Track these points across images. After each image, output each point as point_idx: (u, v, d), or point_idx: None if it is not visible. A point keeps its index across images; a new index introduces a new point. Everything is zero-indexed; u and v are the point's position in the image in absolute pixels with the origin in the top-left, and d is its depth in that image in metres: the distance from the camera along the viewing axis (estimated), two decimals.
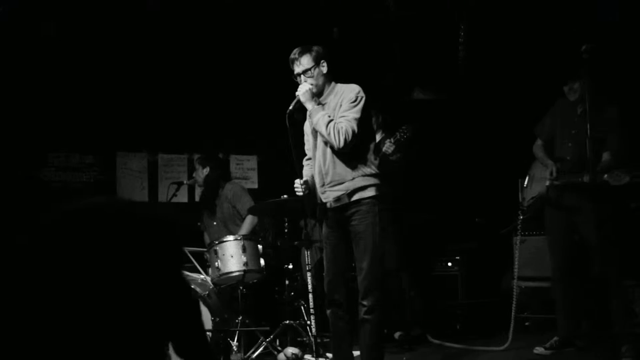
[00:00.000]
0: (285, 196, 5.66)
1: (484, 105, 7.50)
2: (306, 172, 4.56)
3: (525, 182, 5.58)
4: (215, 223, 6.41)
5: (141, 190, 7.60)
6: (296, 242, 5.99)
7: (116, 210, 1.14)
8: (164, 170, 7.59)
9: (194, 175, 6.53)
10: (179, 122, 7.13)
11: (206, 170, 6.37)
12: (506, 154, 6.58)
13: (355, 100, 4.17)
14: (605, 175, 4.55)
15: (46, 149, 7.10)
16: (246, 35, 7.14)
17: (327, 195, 4.28)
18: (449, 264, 6.65)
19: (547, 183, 5.16)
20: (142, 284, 1.06)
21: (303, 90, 4.25)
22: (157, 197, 7.56)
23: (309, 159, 4.51)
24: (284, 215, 5.98)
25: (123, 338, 1.00)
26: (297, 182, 4.41)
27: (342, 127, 4.07)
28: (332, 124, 4.11)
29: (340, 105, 4.21)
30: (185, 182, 6.75)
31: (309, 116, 4.30)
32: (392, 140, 5.56)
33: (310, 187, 4.45)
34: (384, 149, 5.60)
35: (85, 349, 0.96)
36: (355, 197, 4.20)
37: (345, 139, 4.06)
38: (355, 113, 4.14)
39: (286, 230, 5.97)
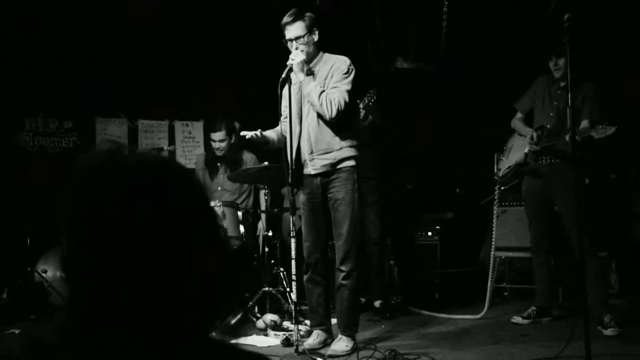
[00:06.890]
0: (266, 163, 5.63)
1: (466, 75, 7.46)
2: (278, 128, 4.67)
3: (502, 156, 5.61)
4: (219, 188, 6.26)
5: None
6: (276, 210, 5.98)
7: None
8: (144, 136, 7.50)
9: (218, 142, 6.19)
10: (158, 88, 7.02)
11: (232, 140, 6.15)
12: (488, 124, 6.57)
13: (347, 72, 4.32)
14: (591, 131, 4.57)
15: (22, 114, 6.97)
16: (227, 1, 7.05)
17: (315, 163, 4.38)
18: (429, 233, 6.68)
19: (526, 150, 5.17)
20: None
21: (298, 60, 4.29)
22: None
23: (286, 117, 4.49)
24: (265, 183, 5.94)
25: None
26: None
27: (334, 98, 4.21)
28: (324, 95, 4.22)
29: (332, 76, 4.33)
30: (165, 148, 6.65)
31: (302, 86, 4.34)
32: (361, 105, 5.53)
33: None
34: None
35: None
36: (340, 165, 4.35)
37: (338, 109, 4.20)
38: (347, 85, 4.29)
39: (266, 198, 5.93)
